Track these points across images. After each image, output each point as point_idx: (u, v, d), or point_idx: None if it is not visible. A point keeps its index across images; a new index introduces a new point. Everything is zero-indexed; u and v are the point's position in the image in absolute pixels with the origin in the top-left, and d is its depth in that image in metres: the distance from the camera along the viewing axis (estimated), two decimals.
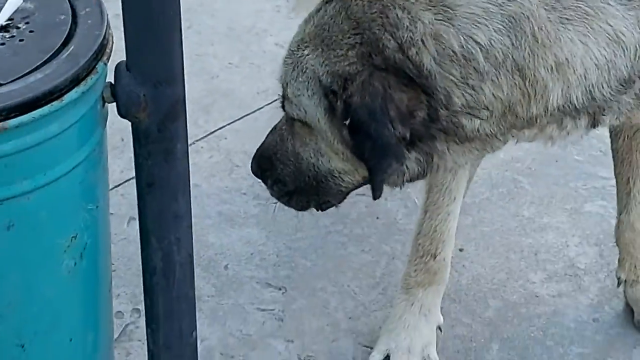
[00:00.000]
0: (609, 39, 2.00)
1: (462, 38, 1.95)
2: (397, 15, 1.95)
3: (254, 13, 3.74)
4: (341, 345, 2.69)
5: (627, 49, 2.01)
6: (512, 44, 1.96)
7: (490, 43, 1.95)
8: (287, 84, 2.13)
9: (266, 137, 2.31)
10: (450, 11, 1.94)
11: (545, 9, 1.96)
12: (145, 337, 2.07)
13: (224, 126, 3.31)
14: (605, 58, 2.00)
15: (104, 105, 1.81)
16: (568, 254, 2.92)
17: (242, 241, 2.96)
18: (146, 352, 2.58)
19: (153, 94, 1.77)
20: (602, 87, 2.03)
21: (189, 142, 1.94)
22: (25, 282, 1.78)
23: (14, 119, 1.65)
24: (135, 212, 2.94)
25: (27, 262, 1.77)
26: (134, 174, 3.04)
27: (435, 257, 2.61)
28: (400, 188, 2.22)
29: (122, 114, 1.80)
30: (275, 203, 2.38)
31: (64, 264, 1.81)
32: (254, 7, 3.78)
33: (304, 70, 2.07)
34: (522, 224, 3.00)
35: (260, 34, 3.65)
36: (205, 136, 3.27)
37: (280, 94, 2.20)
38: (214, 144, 3.26)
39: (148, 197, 1.87)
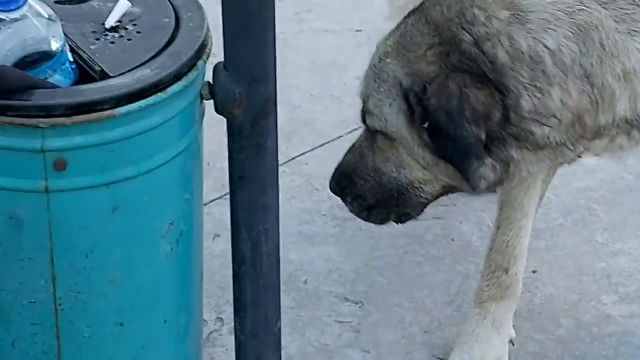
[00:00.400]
0: None
1: (531, 40, 2.05)
2: (474, 13, 2.08)
3: (336, 48, 3.90)
4: (416, 357, 2.78)
5: None
6: (580, 51, 2.06)
7: (559, 48, 2.06)
8: (368, 97, 2.25)
9: (344, 157, 2.42)
10: (523, 14, 2.06)
11: (614, 20, 2.07)
12: (234, 329, 2.19)
13: (305, 152, 3.46)
14: None
15: (202, 101, 1.96)
16: None
17: (321, 258, 3.08)
18: (226, 358, 2.71)
19: (248, 91, 1.91)
20: None
21: None
22: (126, 263, 1.92)
23: (123, 107, 1.80)
24: (219, 230, 3.12)
25: (129, 243, 1.92)
26: (218, 195, 3.22)
27: (507, 272, 2.70)
28: (479, 193, 2.33)
29: (218, 110, 1.95)
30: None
31: (162, 248, 1.95)
32: (336, 43, 3.94)
33: (385, 79, 2.18)
34: (595, 248, 3.07)
35: (341, 68, 3.80)
36: (287, 161, 3.41)
37: (361, 109, 2.32)
38: (296, 168, 3.40)
39: (239, 189, 2.00)
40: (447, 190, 2.30)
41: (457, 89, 2.06)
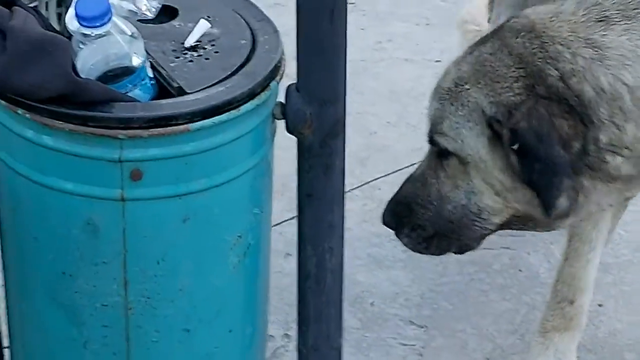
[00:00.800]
0: None
1: (611, 77, 2.09)
2: (557, 49, 2.11)
3: (415, 78, 3.97)
4: None
5: None
6: None
7: (637, 84, 2.08)
8: (442, 119, 2.25)
9: (402, 187, 2.39)
10: (602, 51, 2.09)
11: None
12: (296, 346, 2.26)
13: (379, 178, 3.52)
14: None
15: (274, 121, 2.04)
16: None
17: (388, 282, 3.14)
18: None
19: (318, 112, 1.99)
20: None
21: (346, 190, 2.15)
22: (195, 271, 2.00)
23: (197, 123, 1.89)
24: (291, 249, 3.18)
25: (198, 253, 2.00)
26: (292, 215, 3.29)
27: (572, 303, 2.72)
28: (546, 227, 2.33)
29: (289, 129, 2.03)
30: None
31: (230, 260, 2.03)
32: (415, 72, 4.00)
33: (464, 104, 2.19)
34: None
35: (419, 97, 3.86)
36: (361, 186, 3.48)
37: (429, 130, 2.30)
38: (368, 193, 3.46)
39: (306, 207, 2.08)
40: (512, 222, 2.30)
41: (547, 114, 2.09)
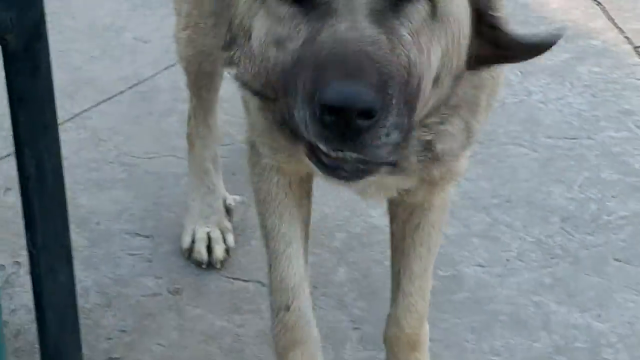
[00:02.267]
0: None
1: None
2: None
3: (112, 12, 4.07)
4: (205, 277, 3.01)
5: None
6: None
7: None
8: None
9: (358, 51, 1.67)
10: None
11: None
12: (26, 247, 2.33)
13: (89, 108, 3.62)
14: None
15: None
16: None
17: (111, 201, 3.25)
18: (25, 296, 2.85)
19: (18, 16, 2.08)
20: None
21: (59, 122, 2.23)
22: None
23: None
24: (10, 184, 3.24)
25: None
26: (7, 153, 3.33)
27: (288, 309, 2.44)
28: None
29: None
30: None
31: None
32: (112, 7, 4.10)
33: None
34: None
35: (118, 30, 3.98)
36: (72, 118, 3.56)
37: None
38: (81, 123, 3.55)
39: (19, 110, 2.16)
40: None
41: None
